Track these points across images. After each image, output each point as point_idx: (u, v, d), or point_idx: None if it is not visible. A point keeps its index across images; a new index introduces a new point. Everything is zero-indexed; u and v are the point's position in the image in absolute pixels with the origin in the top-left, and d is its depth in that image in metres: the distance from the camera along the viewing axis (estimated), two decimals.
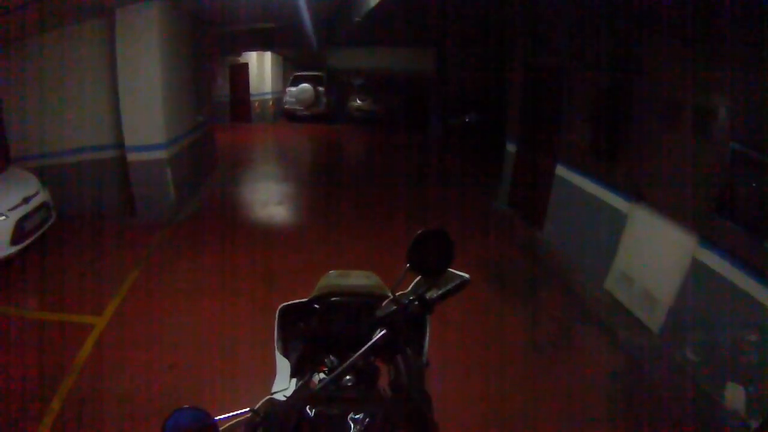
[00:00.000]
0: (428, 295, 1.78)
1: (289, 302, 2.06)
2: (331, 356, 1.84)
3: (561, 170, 6.65)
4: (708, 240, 4.03)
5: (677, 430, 3.59)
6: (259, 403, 1.59)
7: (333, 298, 2.04)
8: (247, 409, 1.44)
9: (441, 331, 2.02)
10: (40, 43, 6.88)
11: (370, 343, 1.67)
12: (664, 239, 4.59)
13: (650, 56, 4.92)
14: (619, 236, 5.26)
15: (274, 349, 1.94)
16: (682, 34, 4.39)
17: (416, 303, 1.76)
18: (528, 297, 5.63)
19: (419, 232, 1.73)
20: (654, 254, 4.79)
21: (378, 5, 6.38)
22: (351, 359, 1.62)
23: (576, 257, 6.24)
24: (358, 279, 2.19)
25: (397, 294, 1.81)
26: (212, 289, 5.58)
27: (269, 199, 9.39)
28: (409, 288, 1.85)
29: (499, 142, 9.26)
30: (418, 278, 1.81)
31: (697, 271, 4.12)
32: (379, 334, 1.69)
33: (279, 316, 2.03)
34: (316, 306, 2.04)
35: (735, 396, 3.58)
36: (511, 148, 8.64)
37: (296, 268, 6.14)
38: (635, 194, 5.02)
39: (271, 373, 1.87)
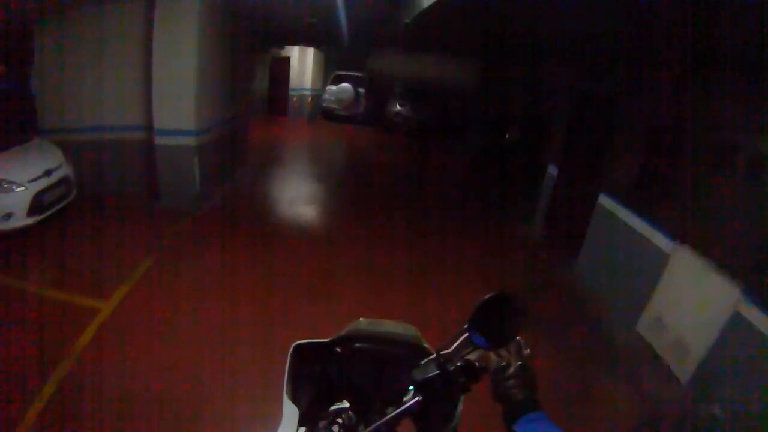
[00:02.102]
0: (478, 364, 1.46)
1: (306, 340, 1.75)
2: (350, 412, 1.57)
3: (604, 200, 6.24)
4: (753, 294, 3.69)
5: None
6: None
7: (357, 344, 1.73)
8: None
9: None
10: (78, 18, 6.81)
11: (401, 410, 1.41)
12: (706, 287, 4.23)
13: (707, 94, 4.59)
14: (658, 278, 4.88)
15: (282, 393, 1.64)
16: (742, 73, 4.10)
17: (461, 371, 1.43)
18: (555, 334, 5.21)
19: (484, 297, 1.40)
20: (692, 301, 4.42)
21: (431, 6, 6.10)
22: (376, 425, 1.40)
23: (610, 293, 5.84)
24: (393, 328, 1.87)
25: (441, 353, 1.49)
26: (225, 288, 5.37)
27: (296, 199, 9.21)
28: (453, 347, 1.50)
29: (540, 163, 8.90)
30: (464, 335, 1.46)
31: (737, 326, 3.79)
32: (413, 400, 1.41)
33: (292, 354, 1.72)
34: (338, 349, 1.73)
35: None
36: (552, 171, 8.27)
37: (317, 274, 5.97)
38: (680, 235, 4.66)
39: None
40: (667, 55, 5.16)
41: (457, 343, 1.44)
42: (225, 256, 6.15)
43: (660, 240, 4.97)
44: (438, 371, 1.42)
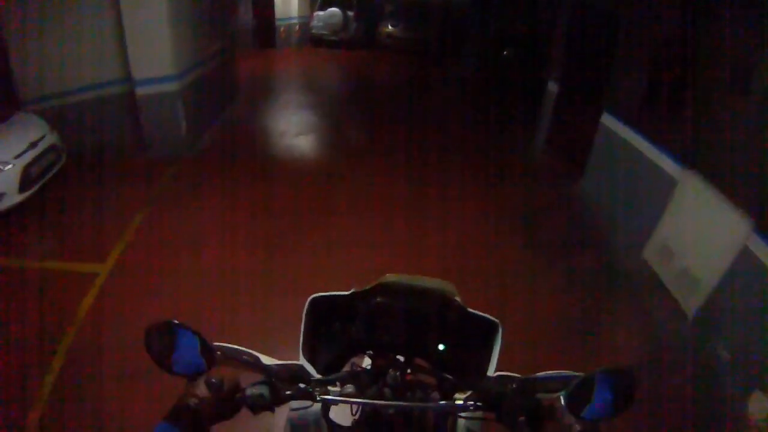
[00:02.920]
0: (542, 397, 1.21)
1: (323, 294, 1.54)
2: (397, 372, 1.39)
3: (607, 119, 5.99)
4: (764, 229, 3.45)
5: (693, 427, 3.24)
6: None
7: (380, 298, 1.52)
8: None
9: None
10: None
11: (451, 405, 1.31)
12: (716, 217, 4.00)
13: (726, 6, 4.13)
14: (666, 203, 4.68)
15: (299, 352, 1.47)
16: None
17: (527, 409, 1.19)
18: (560, 256, 5.21)
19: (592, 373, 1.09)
20: (702, 231, 4.21)
21: None
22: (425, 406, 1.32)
23: (616, 216, 5.70)
24: (425, 283, 1.62)
25: (525, 377, 1.29)
26: (223, 231, 5.36)
27: (289, 131, 9.02)
28: (541, 378, 1.27)
29: (539, 80, 8.56)
30: (578, 379, 1.12)
31: (747, 262, 3.55)
32: (470, 402, 1.26)
33: (308, 310, 1.52)
34: (360, 304, 1.53)
35: (759, 408, 3.14)
36: (552, 87, 7.94)
37: (315, 207, 6.01)
38: (689, 160, 4.41)
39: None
40: None
41: (546, 377, 1.25)
42: (217, 197, 6.13)
43: (668, 164, 4.73)
44: (510, 393, 1.23)
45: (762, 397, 3.13)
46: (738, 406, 3.28)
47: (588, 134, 6.45)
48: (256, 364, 1.20)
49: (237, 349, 1.19)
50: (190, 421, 1.06)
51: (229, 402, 1.15)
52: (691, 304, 4.15)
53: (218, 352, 1.12)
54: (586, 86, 6.84)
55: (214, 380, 1.11)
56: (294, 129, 9.06)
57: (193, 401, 1.09)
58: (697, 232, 4.29)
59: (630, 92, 5.56)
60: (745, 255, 3.58)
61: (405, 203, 6.23)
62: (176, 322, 1.11)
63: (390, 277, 1.59)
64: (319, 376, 1.36)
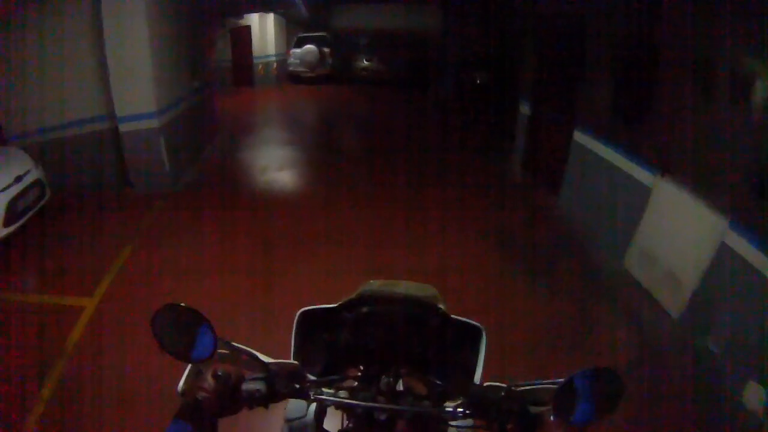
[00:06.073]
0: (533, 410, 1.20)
1: (312, 306, 1.62)
2: (390, 378, 1.37)
3: (579, 136, 6.22)
4: (741, 224, 3.58)
5: (692, 424, 3.28)
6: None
7: (366, 308, 1.58)
8: None
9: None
10: (21, 21, 6.49)
11: (438, 411, 1.30)
12: (691, 218, 4.14)
13: (683, 8, 4.34)
14: (642, 211, 4.83)
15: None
16: None
17: (518, 415, 1.20)
18: (543, 270, 5.29)
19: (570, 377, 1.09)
20: (679, 234, 4.34)
21: None
22: (410, 409, 1.28)
23: (594, 229, 5.87)
24: (407, 289, 1.68)
25: (512, 387, 1.23)
26: (209, 263, 5.37)
27: (268, 166, 9.09)
28: (530, 388, 1.22)
29: (512, 102, 8.83)
30: (554, 386, 1.14)
31: (726, 257, 3.69)
32: (458, 410, 1.26)
33: (297, 323, 1.61)
34: (347, 314, 1.59)
35: (755, 396, 3.24)
36: (524, 109, 8.21)
37: (298, 238, 6.00)
38: (661, 167, 4.58)
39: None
40: None
41: (535, 387, 1.21)
42: (201, 230, 6.16)
43: (640, 173, 4.89)
44: (499, 401, 1.22)
45: (757, 387, 3.21)
46: (734, 397, 3.36)
47: (562, 151, 6.68)
48: (256, 359, 1.20)
49: (237, 345, 1.19)
50: (201, 416, 1.08)
51: (234, 395, 1.16)
52: (675, 304, 4.25)
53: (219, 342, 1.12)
54: (556, 106, 7.09)
55: (220, 373, 1.13)
56: (275, 164, 9.16)
57: (201, 395, 1.10)
58: (674, 236, 4.41)
59: (599, 107, 5.78)
60: (723, 250, 3.71)
61: (390, 226, 6.36)
62: (184, 305, 1.10)
63: (372, 284, 1.67)
64: (314, 378, 1.37)
